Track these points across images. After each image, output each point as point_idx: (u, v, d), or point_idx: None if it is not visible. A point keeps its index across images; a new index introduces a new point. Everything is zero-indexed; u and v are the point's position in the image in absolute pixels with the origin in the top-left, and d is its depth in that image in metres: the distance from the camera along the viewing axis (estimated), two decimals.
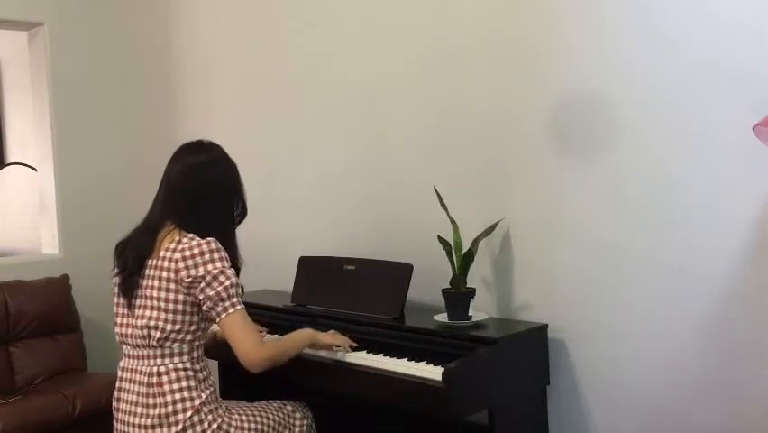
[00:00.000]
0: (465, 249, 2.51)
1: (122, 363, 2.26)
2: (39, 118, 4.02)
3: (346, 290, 2.79)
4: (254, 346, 2.15)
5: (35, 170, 4.24)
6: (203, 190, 2.24)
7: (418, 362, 2.29)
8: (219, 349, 2.44)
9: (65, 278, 3.76)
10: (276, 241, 3.44)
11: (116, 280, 2.25)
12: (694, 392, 2.23)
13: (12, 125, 5.07)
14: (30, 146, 4.49)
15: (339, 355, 2.44)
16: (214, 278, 2.11)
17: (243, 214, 2.35)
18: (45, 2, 3.89)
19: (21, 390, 3.43)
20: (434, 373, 2.19)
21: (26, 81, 4.22)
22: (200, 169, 2.25)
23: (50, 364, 3.56)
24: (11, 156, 5.08)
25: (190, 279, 2.11)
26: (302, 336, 2.37)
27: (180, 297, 2.14)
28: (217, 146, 2.34)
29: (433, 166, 2.80)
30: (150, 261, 2.18)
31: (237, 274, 2.25)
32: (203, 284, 2.11)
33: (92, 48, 4.04)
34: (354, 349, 2.45)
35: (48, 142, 3.95)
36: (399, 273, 2.64)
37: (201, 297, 2.12)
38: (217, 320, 2.15)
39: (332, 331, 2.50)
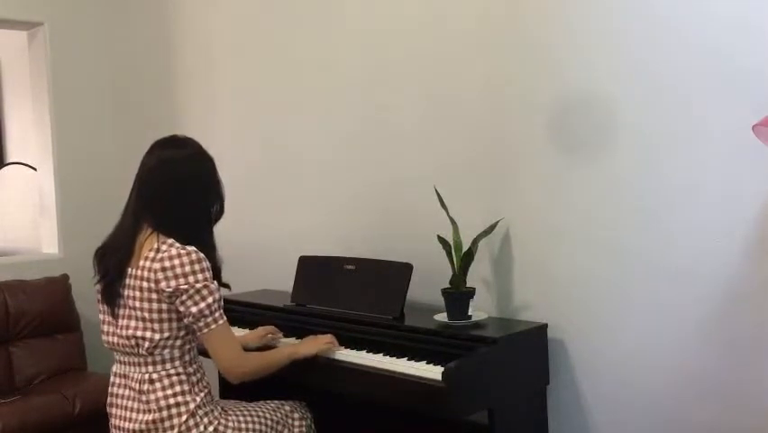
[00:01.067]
0: (465, 249, 2.51)
1: (114, 369, 2.24)
2: (39, 118, 4.03)
3: (346, 289, 2.79)
4: (236, 361, 2.17)
5: (35, 169, 4.24)
6: (177, 186, 2.18)
7: (418, 361, 2.29)
8: None
9: (65, 278, 3.76)
10: (276, 241, 3.44)
11: (98, 287, 2.22)
12: (694, 392, 2.23)
13: (12, 125, 5.07)
14: (30, 146, 4.50)
15: (339, 355, 2.44)
16: (197, 292, 2.07)
17: (221, 211, 2.28)
18: (45, 2, 3.89)
19: (21, 390, 3.43)
20: (433, 372, 2.19)
21: (26, 81, 4.23)
22: (175, 163, 2.19)
23: (50, 364, 3.57)
24: (11, 156, 5.08)
25: (171, 289, 2.07)
26: (281, 356, 2.34)
27: (164, 306, 2.10)
28: (193, 141, 2.27)
29: (433, 166, 2.80)
30: (130, 269, 2.13)
31: (219, 275, 2.23)
32: (184, 297, 2.07)
33: (92, 48, 4.04)
34: (354, 349, 2.45)
35: (48, 141, 3.95)
36: (399, 273, 2.64)
37: (182, 309, 2.09)
38: (199, 334, 2.14)
39: (310, 337, 2.48)
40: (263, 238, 3.50)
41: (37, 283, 3.67)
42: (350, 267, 2.81)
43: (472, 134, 2.69)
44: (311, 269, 2.96)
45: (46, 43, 3.90)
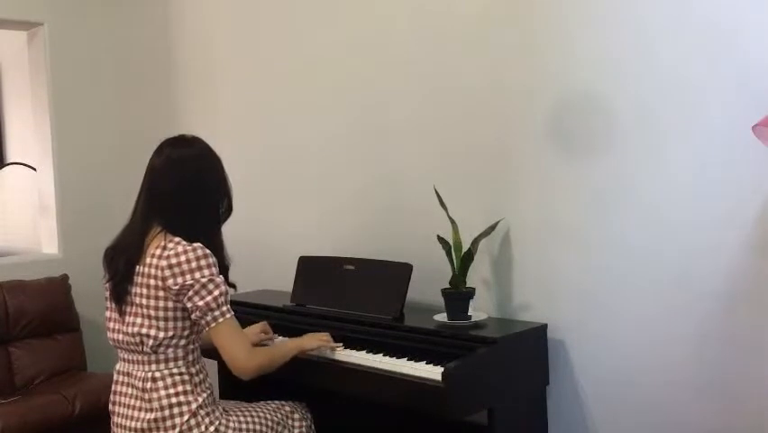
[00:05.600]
0: (465, 249, 2.50)
1: (118, 367, 2.25)
2: (39, 118, 4.02)
3: (346, 290, 2.79)
4: (244, 355, 2.15)
5: (35, 169, 4.24)
6: (187, 185, 2.18)
7: (418, 362, 2.29)
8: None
9: (65, 278, 3.76)
10: (276, 241, 3.44)
11: (108, 286, 2.22)
12: (694, 392, 2.23)
13: (12, 125, 5.07)
14: (30, 146, 4.49)
15: (339, 356, 2.44)
16: (203, 286, 2.08)
17: (229, 210, 2.28)
18: (45, 2, 3.89)
19: (20, 390, 3.43)
20: (433, 373, 2.19)
21: (26, 81, 4.22)
22: (184, 163, 2.19)
23: (50, 364, 3.56)
24: (11, 156, 5.08)
25: (177, 287, 2.07)
26: (287, 350, 2.34)
27: (170, 304, 2.10)
28: (200, 140, 2.28)
29: (433, 166, 2.80)
30: (138, 267, 2.13)
31: (226, 274, 2.23)
32: (191, 292, 2.07)
33: (92, 48, 4.04)
34: (354, 349, 2.45)
35: (48, 141, 3.95)
36: (399, 273, 2.64)
37: (189, 305, 2.09)
38: (206, 329, 2.12)
39: (309, 334, 2.48)
40: (263, 238, 3.50)
41: (37, 283, 3.66)
42: (350, 267, 2.81)
43: (472, 134, 2.69)
44: (311, 269, 2.96)
45: (46, 43, 3.89)
